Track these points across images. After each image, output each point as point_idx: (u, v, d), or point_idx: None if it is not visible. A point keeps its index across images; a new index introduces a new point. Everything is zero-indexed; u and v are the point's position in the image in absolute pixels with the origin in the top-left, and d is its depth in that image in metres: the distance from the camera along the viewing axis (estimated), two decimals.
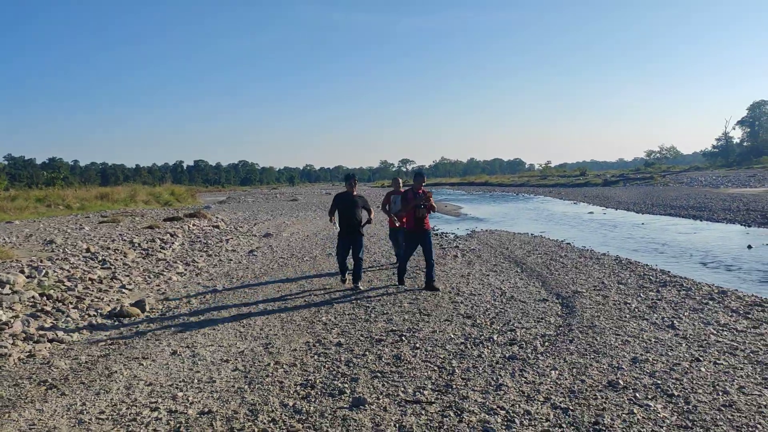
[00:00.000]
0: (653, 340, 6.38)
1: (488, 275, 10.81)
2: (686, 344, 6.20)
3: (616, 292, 9.02)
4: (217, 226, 22.19)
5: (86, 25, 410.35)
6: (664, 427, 4.17)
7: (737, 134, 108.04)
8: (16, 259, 11.73)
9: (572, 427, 4.22)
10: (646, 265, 11.79)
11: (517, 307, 8.16)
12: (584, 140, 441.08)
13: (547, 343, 6.35)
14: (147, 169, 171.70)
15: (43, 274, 10.06)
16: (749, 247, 14.32)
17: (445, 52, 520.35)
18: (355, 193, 9.96)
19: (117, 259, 12.69)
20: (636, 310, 7.81)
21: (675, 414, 4.41)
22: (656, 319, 7.31)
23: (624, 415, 4.39)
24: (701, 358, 5.71)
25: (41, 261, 11.63)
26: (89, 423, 4.62)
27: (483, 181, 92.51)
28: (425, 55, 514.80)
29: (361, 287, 9.68)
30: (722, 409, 4.48)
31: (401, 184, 11.60)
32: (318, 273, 11.58)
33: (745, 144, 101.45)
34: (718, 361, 5.62)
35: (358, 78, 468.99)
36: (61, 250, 13.65)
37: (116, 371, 5.89)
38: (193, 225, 21.69)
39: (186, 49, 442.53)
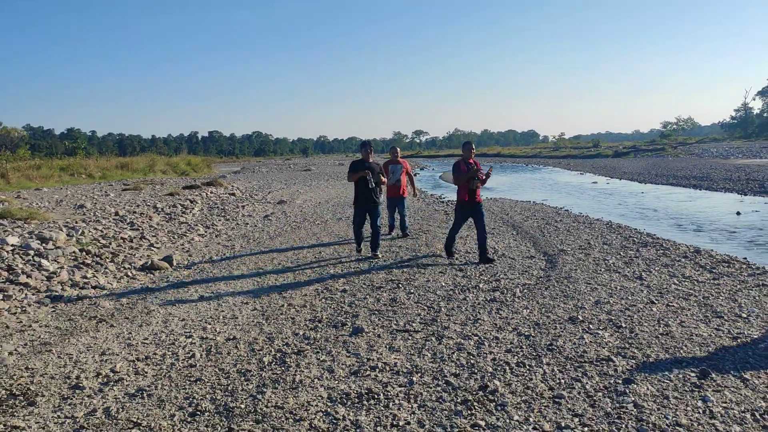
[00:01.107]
0: (619, 288, 7.29)
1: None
2: (647, 291, 7.10)
3: (599, 251, 9.88)
4: (233, 194, 23.21)
5: (100, 3, 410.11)
6: (606, 348, 5.10)
7: (757, 105, 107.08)
8: (53, 221, 12.79)
9: (530, 348, 5.16)
10: (635, 229, 12.63)
11: (506, 262, 9.07)
12: (600, 112, 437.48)
13: (525, 290, 7.27)
14: (163, 140, 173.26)
15: (80, 233, 11.10)
16: (738, 213, 15.10)
17: (461, 24, 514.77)
18: (371, 160, 9.79)
19: (143, 222, 13.74)
20: (612, 265, 8.69)
21: (618, 339, 5.34)
22: (628, 272, 8.20)
23: (575, 340, 5.33)
24: (656, 301, 6.61)
25: (76, 222, 12.70)
26: (136, 346, 5.63)
27: (495, 153, 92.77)
28: (441, 27, 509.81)
29: (379, 255, 9.66)
30: (659, 336, 5.40)
31: (399, 153, 11.76)
32: (328, 234, 12.54)
33: (765, 115, 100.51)
34: (670, 304, 6.52)
35: (372, 49, 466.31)
36: (92, 214, 14.72)
37: (153, 310, 6.90)
38: (211, 193, 22.73)
39: (200, 20, 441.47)
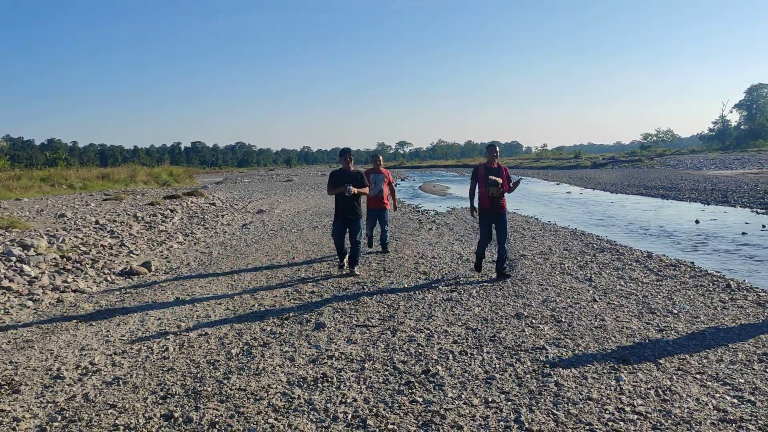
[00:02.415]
0: (568, 288, 7.84)
1: (453, 243, 12.23)
2: (593, 291, 7.65)
3: (558, 256, 10.44)
4: (214, 204, 23.60)
5: (79, 5, 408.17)
6: (542, 339, 5.63)
7: (734, 117, 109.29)
8: (34, 229, 13.14)
9: (475, 339, 5.68)
10: (597, 236, 13.23)
11: (468, 266, 9.59)
12: (583, 124, 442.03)
13: (481, 291, 7.80)
14: (145, 151, 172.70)
15: (60, 240, 11.48)
16: (696, 221, 15.78)
17: (445, 34, 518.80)
18: (351, 169, 9.15)
19: (123, 230, 14.12)
20: (567, 268, 9.25)
21: (555, 331, 5.87)
22: (580, 275, 8.75)
23: (516, 332, 5.86)
24: (598, 300, 7.17)
25: (57, 230, 13.06)
26: (114, 342, 6.07)
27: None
28: (425, 36, 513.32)
29: (357, 273, 9.08)
30: (593, 329, 5.94)
31: (381, 162, 10.98)
32: (303, 242, 13.01)
33: (742, 127, 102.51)
34: (611, 302, 7.07)
35: (355, 58, 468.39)
36: (72, 222, 15.07)
37: (131, 310, 7.34)
38: (192, 202, 23.10)
39: (181, 28, 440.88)
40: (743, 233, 13.38)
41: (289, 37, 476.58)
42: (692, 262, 9.87)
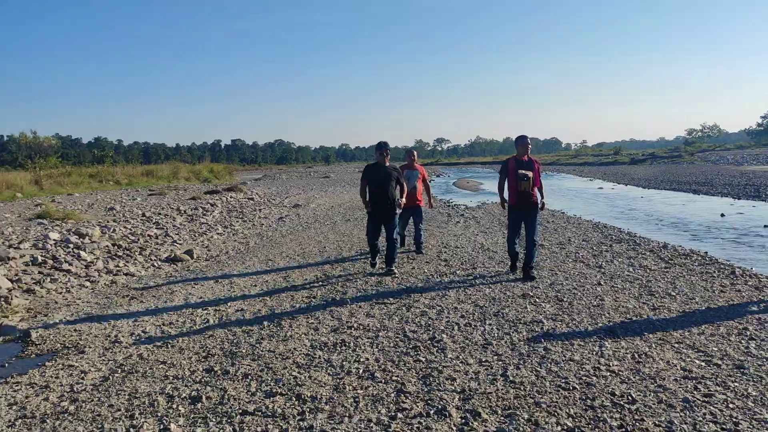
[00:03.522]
0: (577, 274, 8.38)
1: (478, 235, 12.81)
2: (600, 276, 8.19)
3: (575, 246, 10.96)
4: (252, 199, 24.57)
5: (122, 10, 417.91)
6: (542, 314, 6.23)
7: None
8: (87, 221, 14.18)
9: (480, 314, 6.31)
10: (618, 228, 13.66)
11: (488, 255, 10.19)
12: (625, 120, 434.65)
13: (495, 276, 8.40)
14: (186, 148, 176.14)
15: (111, 230, 12.45)
16: (722, 215, 16.03)
17: (484, 33, 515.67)
18: (387, 164, 8.76)
19: (167, 222, 15.08)
20: (581, 257, 9.77)
21: (555, 309, 6.47)
22: (592, 262, 9.27)
23: (519, 309, 6.48)
24: (603, 284, 7.71)
25: (108, 222, 14.07)
26: (162, 315, 6.88)
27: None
28: (464, 36, 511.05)
29: (395, 271, 8.66)
30: (590, 307, 6.51)
31: (415, 158, 10.72)
32: (335, 233, 13.75)
33: None
34: (615, 285, 7.61)
35: (395, 57, 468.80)
36: (121, 215, 16.12)
37: (176, 291, 8.16)
38: (231, 197, 24.11)
39: (222, 29, 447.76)
40: (765, 226, 13.65)
41: (326, 34, 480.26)
42: (706, 252, 10.28)
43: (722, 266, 8.80)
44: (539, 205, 8.26)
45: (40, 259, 9.31)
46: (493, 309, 6.52)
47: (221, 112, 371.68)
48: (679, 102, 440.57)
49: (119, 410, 4.17)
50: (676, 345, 5.20)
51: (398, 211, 8.62)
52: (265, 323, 6.30)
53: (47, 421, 4.06)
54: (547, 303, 6.73)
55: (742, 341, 5.28)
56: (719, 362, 4.76)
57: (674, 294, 7.08)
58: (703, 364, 4.73)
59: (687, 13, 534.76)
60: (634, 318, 6.08)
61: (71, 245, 10.52)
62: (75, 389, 4.63)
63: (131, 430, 3.85)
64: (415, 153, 10.87)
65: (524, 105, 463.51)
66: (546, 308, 6.51)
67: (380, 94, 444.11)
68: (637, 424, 3.70)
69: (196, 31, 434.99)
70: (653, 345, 5.20)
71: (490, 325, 5.91)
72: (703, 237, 12.60)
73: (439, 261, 9.67)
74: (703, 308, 6.45)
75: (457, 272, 8.68)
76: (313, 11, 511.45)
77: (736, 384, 4.31)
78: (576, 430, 3.64)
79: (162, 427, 3.87)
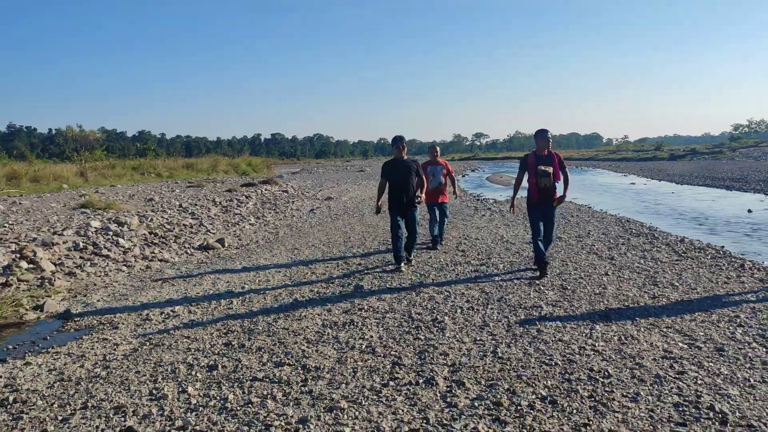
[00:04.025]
0: (587, 265, 8.66)
1: (500, 228, 13.10)
2: (610, 267, 8.45)
3: (593, 239, 11.18)
4: (286, 191, 25.21)
5: (169, 7, 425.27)
6: (543, 300, 6.57)
7: None
8: (127, 210, 14.92)
9: (485, 299, 6.68)
10: (641, 222, 13.78)
11: (505, 246, 10.51)
12: (668, 114, 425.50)
13: (508, 265, 8.73)
14: (227, 142, 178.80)
15: (149, 220, 13.13)
16: (749, 211, 15.98)
17: (522, 26, 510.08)
18: (405, 157, 8.75)
19: (203, 213, 15.75)
20: (596, 249, 10.01)
21: (558, 295, 6.79)
22: (605, 254, 9.52)
23: (523, 295, 6.82)
24: (610, 274, 7.98)
25: (146, 212, 14.79)
26: (192, 297, 7.42)
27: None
28: (501, 28, 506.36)
29: (412, 260, 8.96)
30: (592, 295, 6.81)
31: (439, 153, 10.75)
32: (362, 224, 14.21)
33: None
34: (621, 276, 7.87)
35: (433, 51, 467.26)
36: (159, 205, 16.87)
37: (205, 276, 8.70)
38: (266, 190, 24.79)
39: (263, 26, 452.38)
40: None
41: (365, 33, 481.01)
42: (722, 247, 10.40)
43: (733, 260, 8.95)
44: (558, 199, 7.94)
45: (81, 245, 9.98)
46: (497, 295, 6.88)
47: (262, 106, 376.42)
48: (727, 97, 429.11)
49: (144, 376, 4.69)
50: (665, 330, 5.49)
51: (417, 200, 8.62)
52: (284, 305, 6.78)
53: (81, 384, 4.59)
54: (551, 290, 7.06)
55: (730, 327, 5.53)
56: (701, 345, 5.05)
57: (677, 284, 7.32)
58: (685, 346, 5.03)
59: (746, 6, 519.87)
60: (631, 305, 6.37)
61: (111, 233, 11.19)
62: (107, 358, 5.17)
63: (154, 391, 4.35)
64: (438, 149, 10.93)
65: (565, 99, 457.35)
66: (549, 295, 6.84)
67: (419, 89, 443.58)
68: (606, 394, 4.05)
69: (237, 28, 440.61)
70: (642, 329, 5.50)
71: (491, 309, 6.28)
72: (724, 232, 12.68)
73: (456, 252, 10.03)
74: (702, 298, 6.68)
75: (472, 262, 9.04)
76: (348, 10, 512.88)
77: (711, 364, 4.60)
78: (549, 398, 4.01)
79: (181, 389, 4.36)
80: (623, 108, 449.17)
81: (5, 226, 11.71)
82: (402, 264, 8.55)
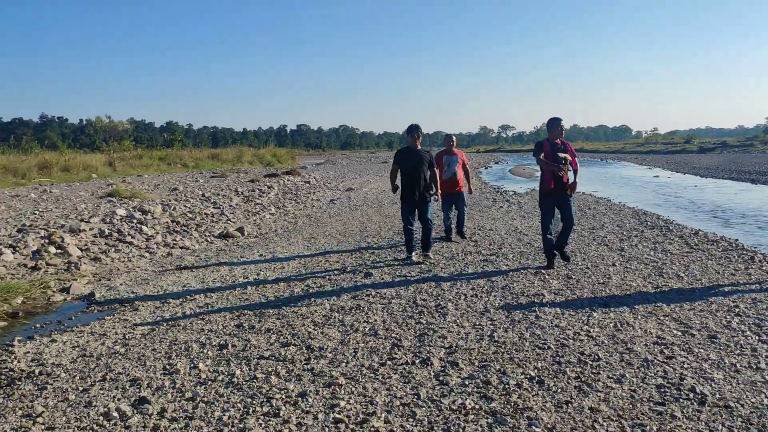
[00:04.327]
0: (596, 255, 8.79)
1: (515, 219, 13.25)
2: (619, 258, 8.57)
3: (606, 231, 11.28)
4: (309, 182, 25.54)
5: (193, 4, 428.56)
6: (546, 289, 6.75)
7: None
8: (151, 199, 15.35)
9: (489, 286, 6.88)
10: (657, 215, 13.80)
11: (517, 237, 10.66)
12: (700, 107, 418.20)
13: (517, 255, 8.91)
14: (253, 133, 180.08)
15: (172, 208, 13.51)
16: None
17: (549, 14, 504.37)
18: (419, 147, 8.68)
19: (224, 202, 16.12)
20: (608, 241, 10.11)
21: (561, 284, 6.96)
22: (616, 246, 9.62)
23: (527, 284, 7.01)
24: (617, 264, 8.11)
25: (170, 201, 15.20)
26: (207, 282, 7.73)
27: (578, 148, 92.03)
28: (528, 18, 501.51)
29: (431, 256, 8.70)
30: (595, 284, 6.96)
31: (455, 143, 10.57)
32: (380, 215, 14.45)
33: None
34: (628, 267, 8.00)
35: (457, 42, 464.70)
36: (182, 195, 17.29)
37: (223, 263, 9.02)
38: (288, 180, 25.15)
39: (289, 16, 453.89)
40: None
41: (391, 24, 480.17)
42: (736, 240, 10.42)
43: (744, 252, 9.00)
44: (571, 187, 7.81)
45: (106, 231, 10.37)
46: (502, 283, 7.08)
47: (288, 98, 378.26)
48: (762, 88, 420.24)
49: (160, 353, 4.99)
50: (662, 318, 5.64)
51: (433, 199, 8.62)
52: (295, 291, 7.06)
53: (102, 359, 4.91)
54: (556, 280, 7.23)
55: (727, 317, 5.66)
56: (695, 333, 5.19)
57: (683, 275, 7.43)
58: (679, 333, 5.18)
59: None
60: (632, 293, 6.52)
61: (135, 220, 11.58)
62: (126, 337, 5.49)
63: (168, 367, 4.64)
64: (454, 138, 10.62)
65: (593, 91, 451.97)
66: (553, 284, 7.01)
67: (444, 81, 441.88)
68: (593, 376, 4.24)
69: (266, 20, 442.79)
70: (639, 317, 5.66)
71: (494, 296, 6.49)
72: (740, 225, 12.66)
73: (469, 242, 10.21)
74: (705, 288, 6.80)
75: (482, 252, 9.22)
76: (375, 2, 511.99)
77: (701, 350, 4.76)
78: (537, 378, 4.21)
79: (192, 365, 4.65)
80: (654, 100, 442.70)
81: (35, 214, 12.18)
82: (413, 254, 8.60)
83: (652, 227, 11.68)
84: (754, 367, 4.41)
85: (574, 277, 7.36)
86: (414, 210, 8.62)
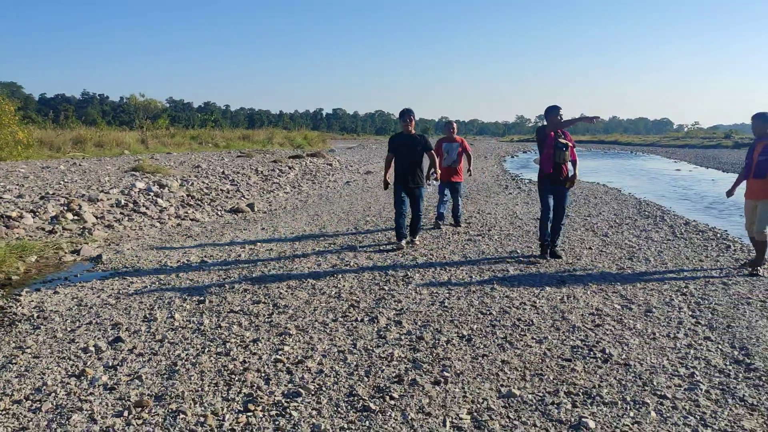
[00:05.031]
0: (577, 240, 9.17)
1: (518, 205, 13.63)
2: (599, 242, 8.93)
3: (601, 218, 11.59)
4: (331, 164, 26.16)
5: None
6: (513, 266, 7.20)
7: None
8: (172, 175, 16.12)
9: (460, 262, 7.37)
10: (660, 206, 14.04)
11: (510, 221, 11.07)
12: (749, 99, 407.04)
13: (503, 236, 9.34)
14: (289, 116, 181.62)
15: (190, 183, 14.23)
16: None
17: (587, 2, 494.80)
18: (412, 132, 8.44)
19: (242, 180, 16.81)
20: (597, 227, 10.45)
21: (530, 262, 7.41)
22: (602, 232, 9.97)
23: (498, 261, 7.47)
24: (593, 248, 8.48)
25: (189, 176, 15.94)
26: (206, 249, 8.37)
27: (613, 140, 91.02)
28: (564, 3, 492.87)
29: (417, 242, 8.64)
30: (563, 264, 7.39)
31: (455, 130, 10.38)
32: (387, 197, 14.94)
33: None
34: (603, 250, 8.36)
35: (495, 30, 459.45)
36: (204, 172, 18.04)
37: (226, 234, 9.66)
38: (310, 162, 25.80)
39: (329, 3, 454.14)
40: None
41: (428, 12, 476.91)
42: (725, 230, 10.67)
43: (723, 241, 9.28)
44: (570, 179, 7.67)
45: (123, 202, 11.11)
46: (475, 258, 7.56)
47: (325, 81, 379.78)
48: None
49: (145, 305, 5.63)
50: (610, 294, 6.06)
51: (431, 184, 8.29)
52: (283, 259, 7.64)
53: (93, 308, 5.56)
54: (526, 259, 7.67)
55: (672, 295, 6.05)
56: (633, 307, 5.62)
57: (651, 260, 7.79)
58: (618, 307, 5.61)
59: None
60: (594, 273, 6.93)
61: (152, 193, 12.31)
62: (120, 292, 6.14)
63: (148, 316, 5.27)
64: (455, 125, 10.44)
65: (634, 83, 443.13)
66: (521, 261, 7.47)
67: (482, 68, 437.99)
68: (518, 337, 4.73)
69: (304, 7, 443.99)
70: (588, 293, 6.10)
71: (462, 270, 6.98)
72: (736, 217, 12.83)
73: (464, 224, 10.66)
74: (667, 271, 7.17)
75: (470, 232, 9.69)
76: None
77: (630, 321, 5.20)
78: (467, 336, 4.72)
79: (169, 315, 5.26)
80: (697, 92, 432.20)
81: (60, 184, 13.01)
82: (403, 241, 8.40)
83: (647, 216, 11.96)
84: (672, 336, 4.84)
85: (546, 257, 7.78)
86: (406, 196, 8.40)
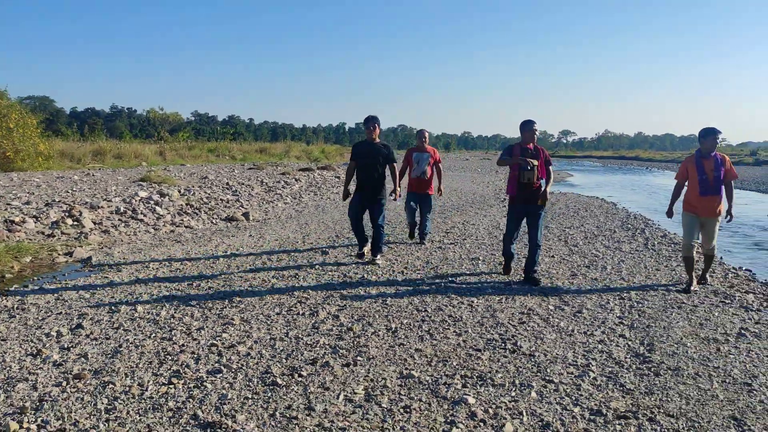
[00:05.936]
0: (547, 248, 9.56)
1: (504, 217, 13.92)
2: (565, 252, 9.32)
3: (579, 230, 11.93)
4: (339, 177, 26.70)
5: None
6: (470, 271, 7.63)
7: None
8: (176, 185, 16.78)
9: (422, 267, 7.81)
10: (645, 218, 14.31)
11: (489, 231, 11.47)
12: None
13: (477, 245, 9.75)
14: (312, 130, 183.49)
15: (191, 193, 14.86)
16: None
17: (615, 17, 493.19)
18: (376, 141, 8.09)
19: (244, 191, 17.42)
20: (570, 238, 10.81)
21: (488, 268, 7.83)
22: (573, 243, 10.33)
23: (459, 266, 7.90)
24: (556, 257, 8.87)
25: (193, 187, 16.59)
26: (190, 252, 8.91)
27: (633, 156, 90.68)
28: (594, 20, 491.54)
29: (379, 263, 8.00)
30: (519, 270, 7.80)
31: (426, 140, 9.75)
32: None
33: None
34: (565, 259, 8.76)
35: (520, 42, 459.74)
36: (209, 183, 18.71)
37: (213, 240, 10.20)
38: (318, 175, 26.38)
39: (350, 14, 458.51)
40: None
41: (451, 29, 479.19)
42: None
43: None
44: (541, 197, 7.11)
45: (122, 209, 11.74)
46: (437, 264, 8.00)
47: (349, 96, 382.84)
48: None
49: (114, 299, 6.17)
50: (548, 297, 6.46)
51: (392, 198, 8.17)
52: (257, 263, 8.15)
53: (68, 301, 6.12)
54: (485, 265, 8.09)
55: (610, 300, 6.42)
56: (566, 308, 6.02)
57: (608, 267, 8.16)
58: (551, 308, 6.01)
59: None
60: (543, 281, 7.29)
61: (152, 202, 12.95)
62: (98, 288, 6.69)
63: (113, 308, 5.81)
64: (427, 134, 9.79)
65: (661, 98, 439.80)
66: (480, 267, 7.90)
67: (506, 82, 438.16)
68: (441, 330, 5.17)
69: (324, 16, 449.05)
70: (528, 295, 6.51)
71: (417, 272, 7.44)
72: (732, 230, 13.08)
73: (443, 234, 11.09)
74: (617, 279, 7.52)
75: (445, 241, 10.12)
76: (437, 7, 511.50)
77: (556, 320, 5.60)
78: (394, 329, 5.17)
79: (132, 308, 5.80)
80: (726, 109, 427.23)
81: (68, 192, 13.71)
82: (364, 249, 8.17)
83: (628, 229, 12.27)
84: (588, 333, 5.24)
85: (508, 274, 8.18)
86: (364, 207, 8.02)
